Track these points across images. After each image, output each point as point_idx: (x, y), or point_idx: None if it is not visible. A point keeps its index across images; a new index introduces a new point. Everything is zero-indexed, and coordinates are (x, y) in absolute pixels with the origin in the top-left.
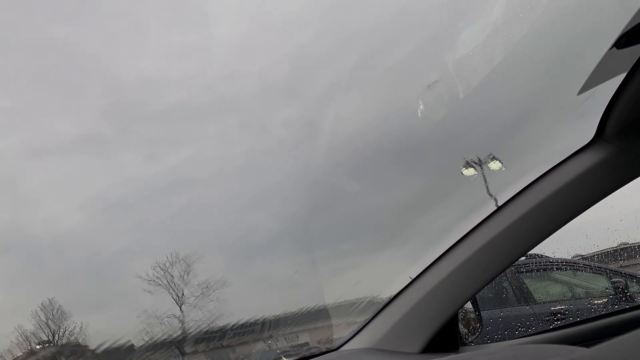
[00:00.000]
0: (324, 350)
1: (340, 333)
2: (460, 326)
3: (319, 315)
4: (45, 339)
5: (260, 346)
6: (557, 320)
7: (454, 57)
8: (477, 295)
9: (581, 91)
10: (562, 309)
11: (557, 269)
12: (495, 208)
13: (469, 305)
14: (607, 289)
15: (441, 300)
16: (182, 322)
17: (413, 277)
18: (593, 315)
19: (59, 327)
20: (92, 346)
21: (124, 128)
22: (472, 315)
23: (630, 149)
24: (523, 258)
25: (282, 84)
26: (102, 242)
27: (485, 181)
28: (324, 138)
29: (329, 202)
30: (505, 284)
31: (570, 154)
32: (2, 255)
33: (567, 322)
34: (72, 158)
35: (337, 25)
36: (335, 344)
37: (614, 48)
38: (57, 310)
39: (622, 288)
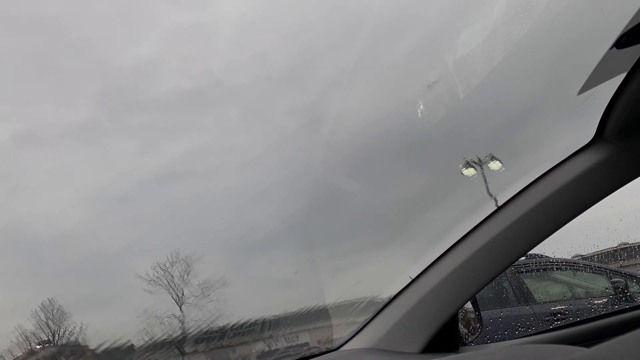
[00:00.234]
0: (324, 350)
1: (340, 333)
2: (460, 326)
3: (319, 315)
4: (45, 339)
5: (260, 346)
6: (557, 320)
7: (454, 57)
8: (477, 295)
9: (581, 91)
10: (562, 309)
11: (557, 269)
12: (495, 208)
13: (469, 305)
14: (607, 289)
15: (441, 300)
16: (182, 322)
17: (413, 277)
18: (593, 315)
19: (59, 327)
20: (92, 346)
21: (120, 117)
22: (472, 315)
23: (630, 149)
24: (523, 258)
25: (282, 84)
26: (102, 242)
27: (485, 181)
28: (323, 138)
29: (329, 202)
30: (505, 284)
31: (570, 154)
32: (2, 256)
33: (567, 322)
34: (66, 150)
35: (337, 25)
36: (335, 344)
37: (614, 48)
38: (57, 310)
39: (622, 288)
